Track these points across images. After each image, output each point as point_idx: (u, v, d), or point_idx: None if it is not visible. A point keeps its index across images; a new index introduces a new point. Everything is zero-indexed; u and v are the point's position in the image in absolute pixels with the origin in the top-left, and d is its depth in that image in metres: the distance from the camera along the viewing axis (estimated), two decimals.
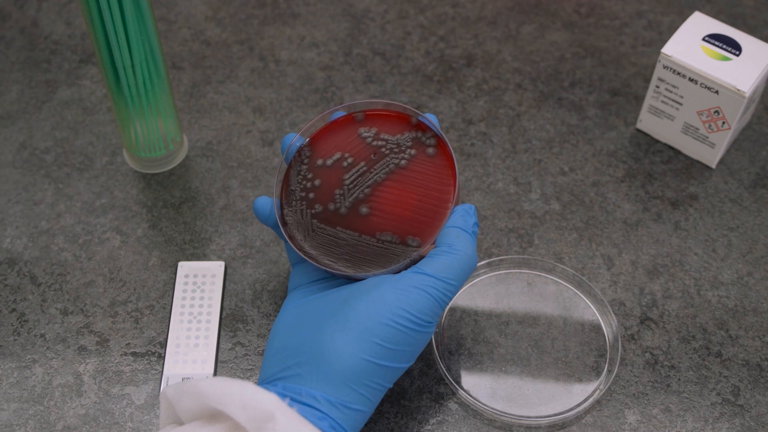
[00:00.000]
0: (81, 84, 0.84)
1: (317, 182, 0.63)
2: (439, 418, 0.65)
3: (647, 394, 0.66)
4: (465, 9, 0.90)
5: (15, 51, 0.87)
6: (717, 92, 0.74)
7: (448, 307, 0.70)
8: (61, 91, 0.84)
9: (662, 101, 0.78)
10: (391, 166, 0.63)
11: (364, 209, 0.62)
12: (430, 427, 0.65)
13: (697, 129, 0.77)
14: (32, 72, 0.85)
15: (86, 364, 0.67)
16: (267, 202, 0.63)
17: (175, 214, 0.76)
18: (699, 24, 0.77)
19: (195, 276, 0.71)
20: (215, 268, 0.72)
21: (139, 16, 0.67)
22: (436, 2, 0.91)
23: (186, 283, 0.71)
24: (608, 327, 0.69)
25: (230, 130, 0.81)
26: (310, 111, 0.82)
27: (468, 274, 0.58)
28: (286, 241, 0.62)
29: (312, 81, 0.85)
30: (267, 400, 0.52)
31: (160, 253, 0.73)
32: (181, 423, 0.57)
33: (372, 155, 0.64)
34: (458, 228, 0.59)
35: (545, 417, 0.65)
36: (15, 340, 0.69)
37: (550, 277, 0.72)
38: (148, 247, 0.74)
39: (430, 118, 0.63)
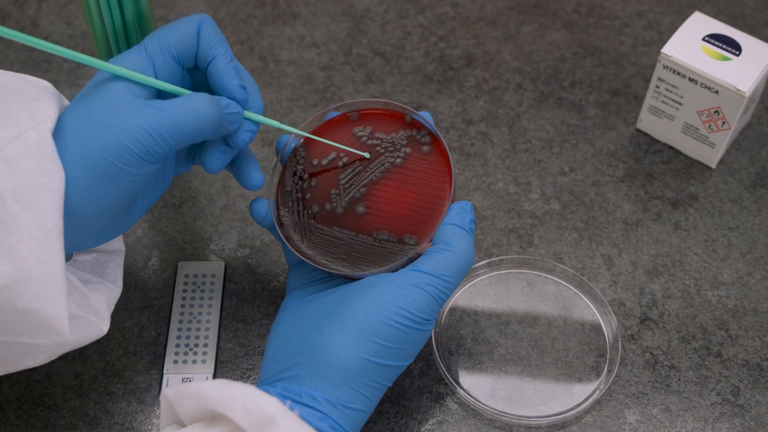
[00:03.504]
0: (81, 84, 0.84)
1: (313, 182, 0.63)
2: (439, 418, 0.65)
3: (647, 394, 0.66)
4: (465, 9, 0.90)
5: (15, 51, 0.87)
6: (717, 92, 0.73)
7: (448, 307, 0.70)
8: (61, 91, 0.84)
9: (662, 101, 0.78)
10: (387, 164, 0.63)
11: (360, 208, 0.62)
12: (430, 427, 0.65)
13: (697, 129, 0.77)
14: (32, 72, 0.85)
15: (86, 364, 0.67)
16: (263, 203, 0.63)
17: (175, 214, 0.76)
18: (699, 24, 0.77)
19: (195, 276, 0.71)
20: (215, 268, 0.72)
21: (139, 16, 0.67)
22: (436, 2, 0.91)
23: (186, 283, 0.71)
24: (608, 327, 0.69)
25: None
26: (310, 111, 0.82)
27: (465, 271, 0.58)
28: (283, 242, 0.62)
29: (312, 81, 0.84)
30: (268, 404, 0.52)
31: (160, 253, 0.73)
32: (181, 424, 0.57)
33: (367, 154, 0.64)
34: (455, 225, 0.59)
35: (545, 417, 0.65)
36: None
37: (550, 277, 0.72)
38: (148, 247, 0.74)
39: (425, 116, 0.63)
